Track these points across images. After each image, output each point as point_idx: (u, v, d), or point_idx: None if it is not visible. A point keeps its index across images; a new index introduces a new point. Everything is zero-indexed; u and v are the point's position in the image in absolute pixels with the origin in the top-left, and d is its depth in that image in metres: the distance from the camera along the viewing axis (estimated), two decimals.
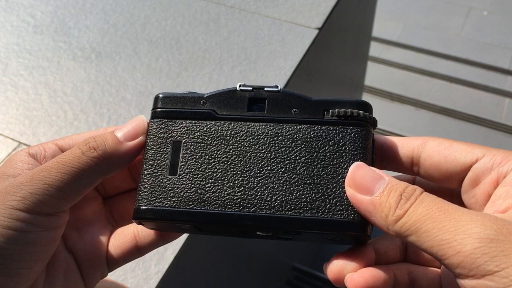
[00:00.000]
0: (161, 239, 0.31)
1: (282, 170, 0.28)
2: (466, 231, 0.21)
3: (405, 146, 0.29)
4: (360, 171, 0.26)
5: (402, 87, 1.97)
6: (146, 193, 0.29)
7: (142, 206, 0.29)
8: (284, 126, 0.29)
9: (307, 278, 1.26)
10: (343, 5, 0.88)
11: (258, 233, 0.29)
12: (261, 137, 0.29)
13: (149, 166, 0.29)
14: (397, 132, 1.79)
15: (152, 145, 0.30)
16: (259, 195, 0.28)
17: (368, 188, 0.25)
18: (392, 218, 0.24)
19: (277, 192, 0.28)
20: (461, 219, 0.22)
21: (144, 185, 0.29)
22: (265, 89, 0.31)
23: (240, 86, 0.31)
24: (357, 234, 0.27)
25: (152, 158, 0.30)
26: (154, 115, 0.31)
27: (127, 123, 0.30)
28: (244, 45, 0.78)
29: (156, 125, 0.30)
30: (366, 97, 1.88)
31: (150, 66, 0.75)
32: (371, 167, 0.27)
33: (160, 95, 0.31)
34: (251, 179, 0.28)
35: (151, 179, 0.29)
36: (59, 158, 0.27)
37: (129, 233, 0.31)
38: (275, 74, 0.73)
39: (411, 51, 2.13)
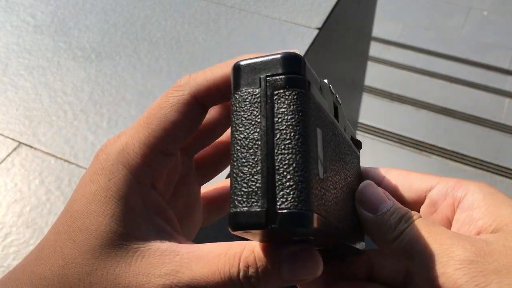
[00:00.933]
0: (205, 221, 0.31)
1: (349, 191, 0.27)
2: (449, 254, 0.23)
3: (369, 176, 0.31)
4: (370, 189, 0.28)
5: (402, 87, 1.97)
6: (308, 193, 0.19)
7: (307, 210, 0.19)
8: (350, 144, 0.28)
9: None
10: (343, 5, 0.88)
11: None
12: (344, 146, 0.27)
13: (304, 153, 0.19)
14: (397, 132, 1.79)
15: (304, 124, 0.20)
16: (350, 218, 0.26)
17: (373, 206, 0.27)
18: (390, 237, 0.25)
19: (352, 219, 0.27)
20: (445, 242, 0.24)
21: (302, 179, 0.19)
22: (337, 96, 0.27)
23: (328, 82, 0.26)
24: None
25: (306, 140, 0.20)
26: (304, 83, 0.20)
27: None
28: (244, 45, 0.78)
29: (311, 100, 0.20)
30: (366, 97, 1.87)
31: (150, 66, 0.75)
32: (379, 188, 0.28)
33: (297, 55, 0.21)
34: (347, 197, 0.26)
35: (310, 172, 0.20)
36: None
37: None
38: None
39: (411, 51, 2.13)
